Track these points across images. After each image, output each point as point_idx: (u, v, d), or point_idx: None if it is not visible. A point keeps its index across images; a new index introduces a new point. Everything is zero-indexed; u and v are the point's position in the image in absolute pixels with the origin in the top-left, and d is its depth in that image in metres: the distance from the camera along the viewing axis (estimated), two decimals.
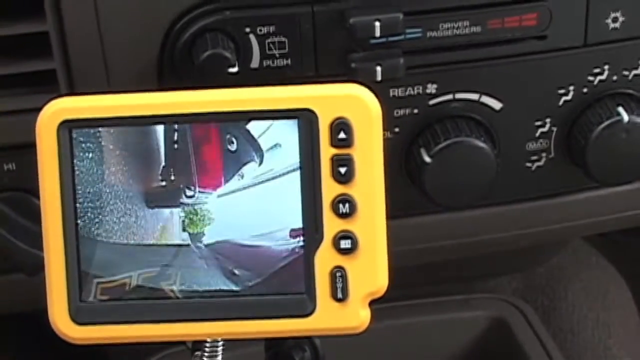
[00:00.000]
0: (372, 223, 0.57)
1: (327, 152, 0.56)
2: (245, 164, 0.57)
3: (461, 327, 1.06)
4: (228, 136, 0.57)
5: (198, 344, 0.62)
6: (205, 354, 0.62)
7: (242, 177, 0.57)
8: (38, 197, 0.69)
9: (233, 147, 0.57)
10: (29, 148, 0.60)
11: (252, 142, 0.57)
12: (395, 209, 0.58)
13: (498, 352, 1.05)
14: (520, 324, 1.05)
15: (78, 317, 0.58)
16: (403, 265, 0.60)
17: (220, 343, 0.61)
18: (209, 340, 0.61)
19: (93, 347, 0.79)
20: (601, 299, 1.16)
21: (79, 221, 0.58)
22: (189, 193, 0.57)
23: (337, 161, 0.56)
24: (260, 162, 0.57)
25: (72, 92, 0.68)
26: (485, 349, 1.06)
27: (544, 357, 1.01)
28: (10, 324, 1.04)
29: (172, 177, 0.57)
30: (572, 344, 1.12)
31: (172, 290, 0.58)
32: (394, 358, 1.05)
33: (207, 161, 0.57)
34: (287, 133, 0.57)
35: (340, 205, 0.57)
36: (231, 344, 0.62)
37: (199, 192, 0.57)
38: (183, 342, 0.63)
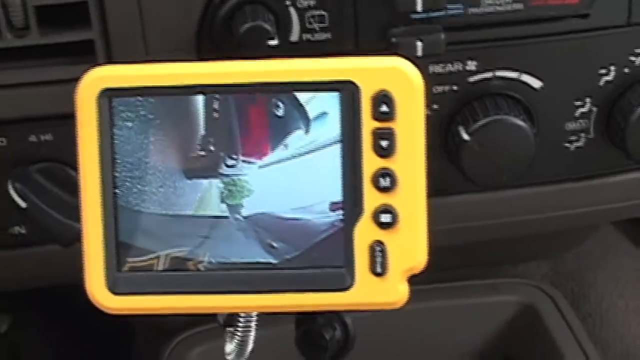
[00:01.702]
0: (412, 198, 0.56)
1: (368, 125, 0.56)
2: (290, 132, 0.56)
3: (489, 311, 1.05)
4: (273, 105, 0.56)
5: (231, 320, 0.62)
6: (239, 329, 0.61)
7: (287, 147, 0.57)
8: (74, 169, 0.70)
9: (280, 113, 0.56)
10: (66, 119, 0.60)
11: (299, 109, 0.56)
12: (432, 187, 0.57)
13: (526, 338, 1.05)
14: (549, 310, 1.05)
15: (115, 287, 0.57)
16: (438, 245, 0.59)
17: (254, 318, 0.61)
18: (242, 315, 0.61)
19: (121, 322, 0.79)
20: (631, 287, 1.15)
21: (117, 190, 0.57)
22: (230, 163, 0.57)
23: (378, 134, 0.56)
24: (307, 131, 0.56)
25: (111, 63, 0.68)
26: (514, 334, 1.05)
27: (572, 343, 1.01)
28: (37, 299, 1.05)
29: (212, 148, 0.57)
30: (600, 331, 1.11)
31: (209, 262, 0.58)
32: (421, 341, 1.05)
33: (252, 130, 0.56)
34: (328, 105, 0.56)
35: (381, 179, 0.56)
36: (261, 322, 0.61)
37: (242, 161, 0.57)
38: (214, 319, 0.62)
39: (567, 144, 0.75)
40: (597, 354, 1.00)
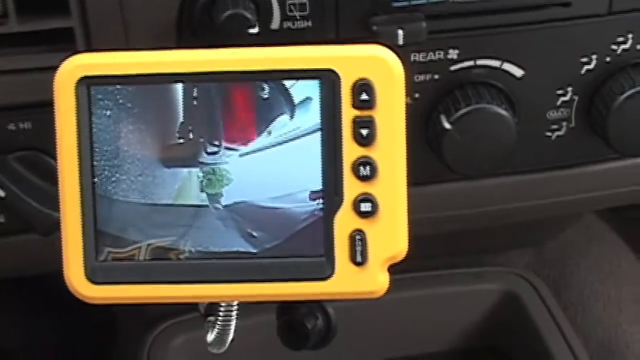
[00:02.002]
0: (392, 186, 0.56)
1: (349, 113, 0.56)
2: (268, 121, 0.56)
3: (473, 300, 1.06)
4: (253, 92, 0.56)
5: (211, 309, 0.61)
6: (220, 318, 0.61)
7: (267, 134, 0.56)
8: (53, 157, 0.70)
9: (260, 102, 0.56)
10: (45, 107, 0.59)
11: (279, 98, 0.56)
12: (414, 176, 0.57)
13: (509, 325, 1.05)
14: (532, 298, 1.05)
15: (94, 276, 0.57)
16: (419, 233, 0.59)
17: (235, 307, 0.61)
18: (223, 304, 0.61)
19: (102, 313, 0.79)
20: (613, 275, 1.16)
21: (95, 179, 0.57)
22: (210, 150, 0.56)
23: (358, 123, 0.56)
24: (286, 118, 0.56)
25: (90, 50, 0.67)
26: (497, 322, 1.06)
27: (555, 331, 1.01)
28: (20, 287, 1.05)
29: (191, 136, 0.57)
30: (582, 319, 1.11)
31: (189, 251, 0.57)
32: (404, 330, 1.05)
33: (231, 118, 0.56)
34: (309, 94, 0.56)
35: (361, 168, 0.56)
36: (243, 312, 0.61)
37: (224, 148, 0.56)
38: (195, 308, 0.62)
39: (548, 133, 0.75)
40: (579, 341, 1.01)
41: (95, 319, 1.08)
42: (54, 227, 0.68)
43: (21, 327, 1.09)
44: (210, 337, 0.62)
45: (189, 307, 0.61)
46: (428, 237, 0.79)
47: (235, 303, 0.61)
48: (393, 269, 0.57)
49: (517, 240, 1.14)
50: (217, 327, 0.61)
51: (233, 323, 0.61)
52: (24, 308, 1.10)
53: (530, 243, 1.17)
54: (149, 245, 0.57)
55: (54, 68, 0.57)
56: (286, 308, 0.65)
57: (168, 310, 1.00)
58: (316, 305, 0.65)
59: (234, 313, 0.61)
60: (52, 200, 0.66)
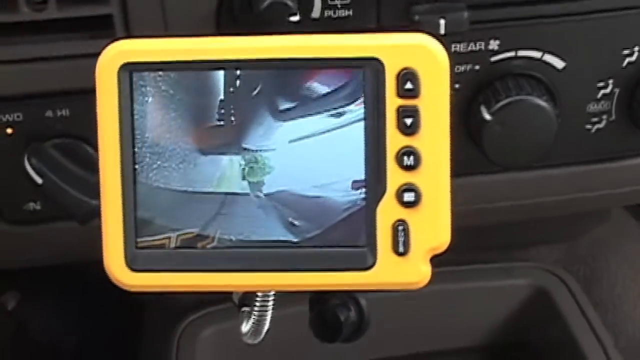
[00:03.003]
0: (436, 177, 0.56)
1: (393, 102, 0.55)
2: (312, 109, 0.56)
3: (503, 295, 1.05)
4: (296, 81, 0.56)
5: (247, 299, 0.61)
6: (256, 308, 0.61)
7: (310, 124, 0.56)
8: (91, 145, 0.70)
9: (302, 90, 0.56)
10: (83, 94, 0.60)
11: (322, 86, 0.55)
12: (453, 168, 0.57)
13: (539, 321, 1.04)
14: (562, 294, 1.04)
15: (134, 263, 0.57)
16: (458, 225, 0.59)
17: (272, 297, 0.60)
18: (260, 294, 0.60)
19: (131, 301, 0.78)
20: None
21: (137, 166, 0.57)
22: (253, 138, 0.56)
23: (402, 112, 0.55)
24: (330, 108, 0.56)
25: (130, 37, 0.67)
26: (527, 317, 1.05)
27: (585, 327, 1.01)
28: (49, 276, 1.05)
29: (233, 124, 0.56)
30: (613, 316, 1.11)
31: (229, 240, 0.57)
32: (434, 324, 1.05)
33: (274, 106, 0.56)
34: (352, 82, 0.55)
35: (405, 158, 0.55)
36: (276, 303, 0.61)
37: (267, 136, 0.56)
38: (228, 299, 0.62)
39: (588, 126, 0.74)
40: (610, 338, 1.00)
41: (124, 309, 1.08)
42: (91, 215, 0.68)
43: (49, 315, 1.09)
44: (245, 327, 0.61)
45: (217, 299, 0.61)
46: (459, 230, 0.78)
47: (272, 293, 0.60)
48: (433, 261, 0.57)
49: (548, 235, 1.14)
50: (253, 317, 0.61)
51: (269, 313, 0.61)
52: (50, 298, 1.10)
53: (561, 238, 1.16)
54: (187, 232, 0.57)
55: (92, 55, 0.56)
56: (319, 299, 0.65)
57: (196, 302, 1.00)
58: (349, 297, 0.65)
59: (271, 303, 0.61)
60: (90, 188, 0.66)
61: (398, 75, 0.55)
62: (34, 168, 0.70)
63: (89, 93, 0.56)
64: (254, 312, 0.61)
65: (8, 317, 1.06)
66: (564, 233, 1.15)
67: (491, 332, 1.06)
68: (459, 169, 0.71)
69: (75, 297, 1.11)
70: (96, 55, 0.56)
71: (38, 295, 1.09)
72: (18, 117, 0.70)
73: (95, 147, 0.57)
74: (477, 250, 1.09)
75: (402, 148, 0.55)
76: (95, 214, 0.58)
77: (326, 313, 0.65)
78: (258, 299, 0.61)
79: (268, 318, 0.61)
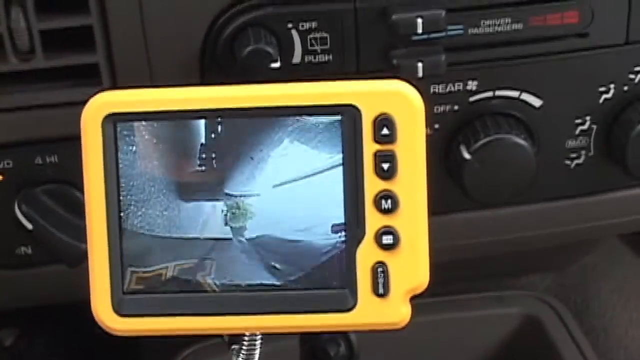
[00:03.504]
0: (414, 219, 0.57)
1: (370, 148, 0.56)
2: (292, 156, 0.57)
3: (494, 324, 1.06)
4: (275, 128, 0.57)
5: (236, 337, 0.62)
6: (244, 347, 0.62)
7: (289, 170, 0.57)
8: (80, 190, 0.71)
9: (281, 136, 0.57)
10: (71, 141, 0.60)
11: (301, 133, 0.57)
12: (434, 206, 0.58)
13: (531, 350, 1.05)
14: (553, 322, 1.05)
15: (121, 309, 0.58)
16: (440, 261, 0.60)
17: (259, 336, 0.62)
18: (247, 333, 0.62)
19: (127, 338, 0.79)
20: (634, 298, 1.15)
21: (122, 214, 0.58)
22: (234, 185, 0.57)
23: (380, 157, 0.56)
24: (309, 154, 0.57)
25: (115, 86, 0.68)
26: (518, 346, 1.05)
27: (577, 355, 1.01)
28: (45, 315, 1.05)
29: (215, 171, 0.57)
30: (605, 343, 1.11)
31: (213, 284, 0.58)
32: (426, 354, 1.05)
33: (254, 154, 0.57)
34: (330, 128, 0.57)
35: (383, 201, 0.57)
36: (266, 338, 0.62)
37: (248, 183, 0.57)
38: (220, 335, 0.63)
39: (567, 161, 0.75)
40: None
41: (118, 346, 1.08)
42: (81, 259, 0.69)
43: (44, 353, 1.10)
44: None
45: (212, 335, 0.62)
46: (447, 262, 0.79)
47: (259, 333, 0.61)
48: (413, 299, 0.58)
49: (539, 263, 1.14)
50: (242, 355, 0.62)
51: (257, 351, 0.62)
52: (47, 334, 1.10)
53: (552, 266, 1.17)
54: (172, 277, 0.58)
55: (79, 103, 0.58)
56: (309, 335, 0.66)
57: (192, 336, 1.01)
58: (338, 333, 0.66)
59: (258, 342, 0.62)
60: (80, 232, 0.67)
61: (375, 121, 0.56)
62: (24, 214, 0.71)
63: (77, 139, 0.58)
64: (243, 351, 0.62)
65: (6, 353, 1.06)
66: (554, 261, 1.16)
67: None
68: (440, 207, 0.73)
69: (72, 333, 1.11)
70: (83, 103, 0.57)
71: (35, 331, 1.09)
72: (8, 164, 0.71)
73: (84, 192, 0.58)
74: (467, 279, 1.09)
75: (380, 192, 0.57)
76: (84, 257, 0.59)
77: (316, 348, 0.66)
78: (246, 338, 0.62)
79: (256, 356, 0.62)
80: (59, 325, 1.10)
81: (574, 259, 1.17)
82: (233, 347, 0.62)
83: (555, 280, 1.17)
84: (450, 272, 0.95)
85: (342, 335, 0.66)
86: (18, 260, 0.75)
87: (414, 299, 0.58)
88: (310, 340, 0.66)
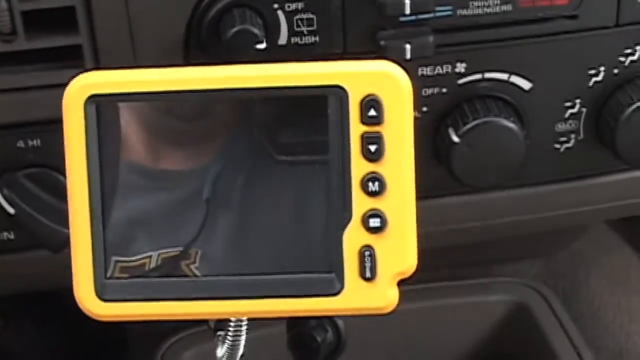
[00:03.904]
0: (401, 202, 0.56)
1: (357, 129, 0.56)
2: (278, 137, 0.56)
3: (482, 311, 1.06)
4: (262, 109, 0.56)
5: (221, 324, 0.62)
6: (229, 333, 0.61)
7: (275, 152, 0.56)
8: (63, 174, 0.70)
9: (268, 118, 0.56)
10: (54, 124, 0.60)
11: (287, 114, 0.56)
12: (421, 190, 0.57)
13: (519, 337, 1.05)
14: (541, 308, 1.05)
15: (104, 293, 0.57)
16: (427, 247, 0.60)
17: (245, 322, 0.61)
18: (233, 319, 0.61)
19: (113, 325, 0.79)
20: (623, 285, 1.16)
21: (105, 198, 0.57)
22: (222, 167, 0.57)
23: (367, 139, 0.56)
24: (295, 136, 0.56)
25: (98, 68, 0.68)
26: (507, 333, 1.05)
27: (565, 341, 1.01)
28: (29, 302, 1.05)
29: (200, 152, 0.57)
30: (593, 330, 1.11)
31: (196, 268, 0.57)
32: (413, 341, 1.05)
33: (240, 135, 0.56)
34: (316, 110, 0.56)
35: (370, 184, 0.56)
36: (253, 324, 0.61)
37: (235, 164, 0.57)
38: (205, 322, 0.62)
39: (556, 145, 0.75)
40: (590, 352, 1.00)
41: (104, 333, 1.08)
42: (64, 244, 0.68)
43: (30, 342, 1.09)
44: (220, 351, 0.62)
45: (197, 321, 0.61)
46: (436, 248, 0.79)
47: (245, 318, 0.61)
48: (401, 281, 0.57)
49: (526, 250, 1.14)
50: (227, 342, 0.61)
51: (243, 338, 0.61)
52: (33, 323, 1.10)
53: (540, 253, 1.16)
54: (157, 258, 0.58)
55: (62, 85, 0.57)
56: (296, 321, 0.66)
57: (178, 324, 1.00)
58: (326, 319, 0.65)
59: (244, 328, 0.61)
60: (62, 217, 0.66)
61: (361, 102, 0.55)
62: (6, 198, 0.70)
63: (60, 123, 0.56)
64: (228, 337, 0.61)
65: None
66: (543, 248, 1.16)
67: (471, 348, 1.07)
68: (428, 191, 0.72)
69: (58, 322, 1.11)
70: (66, 85, 0.56)
71: (21, 320, 1.09)
72: None
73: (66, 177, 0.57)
74: (456, 266, 1.09)
75: (367, 174, 0.56)
76: (68, 242, 0.58)
77: (304, 334, 0.65)
78: (231, 324, 0.61)
79: (242, 343, 0.61)
80: (44, 313, 1.10)
81: (562, 246, 1.17)
82: (219, 333, 0.62)
83: (544, 267, 1.17)
84: (438, 259, 0.95)
85: (329, 322, 0.65)
86: (0, 245, 0.74)
87: (401, 285, 0.57)
88: (297, 326, 0.65)
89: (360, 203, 0.56)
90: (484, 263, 1.12)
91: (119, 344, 1.10)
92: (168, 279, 0.57)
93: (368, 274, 0.56)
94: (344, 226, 0.56)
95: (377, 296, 0.57)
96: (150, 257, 0.57)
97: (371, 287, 0.56)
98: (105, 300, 0.57)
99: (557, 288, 1.14)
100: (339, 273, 0.57)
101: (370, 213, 0.56)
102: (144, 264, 0.57)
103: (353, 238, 0.56)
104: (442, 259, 1.00)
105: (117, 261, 0.57)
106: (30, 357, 1.09)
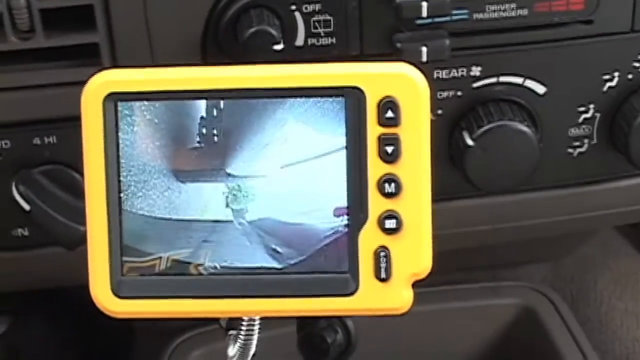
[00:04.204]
0: (417, 203, 0.56)
1: (374, 131, 0.56)
2: (295, 138, 0.56)
3: (490, 314, 1.05)
4: (279, 110, 0.56)
5: (233, 323, 0.62)
6: (242, 332, 0.61)
7: (292, 152, 0.57)
8: (78, 171, 0.70)
9: (285, 118, 0.56)
10: (70, 121, 0.60)
11: (305, 114, 0.56)
12: (436, 192, 0.57)
13: (526, 340, 1.05)
14: (549, 313, 1.05)
15: (120, 291, 0.57)
16: (440, 249, 0.60)
17: (257, 322, 0.61)
18: (245, 318, 0.61)
19: (122, 324, 0.79)
20: (630, 290, 1.15)
21: (122, 195, 0.57)
22: (236, 166, 0.57)
23: (383, 140, 0.56)
24: (312, 136, 0.56)
25: (116, 66, 0.68)
26: (514, 337, 1.05)
27: (572, 346, 1.01)
28: (39, 299, 1.05)
29: (217, 152, 0.57)
30: (600, 334, 1.11)
31: (213, 266, 0.58)
32: (422, 344, 1.05)
33: (257, 135, 0.56)
34: (334, 111, 0.56)
35: (386, 185, 0.56)
36: (263, 324, 0.61)
37: (250, 164, 0.57)
38: (216, 321, 0.62)
39: (570, 150, 0.75)
40: (597, 356, 1.00)
41: (113, 332, 1.08)
42: (79, 241, 0.68)
43: (40, 338, 1.09)
44: (231, 351, 0.62)
45: (208, 320, 0.61)
46: (445, 251, 0.79)
47: (257, 318, 0.61)
48: (414, 283, 0.57)
49: (535, 254, 1.14)
50: (239, 341, 0.61)
51: (255, 337, 0.61)
52: (42, 319, 1.10)
53: (548, 257, 1.16)
54: (170, 258, 0.58)
55: (79, 83, 0.57)
56: (306, 322, 0.66)
57: (186, 323, 1.01)
58: (336, 320, 0.66)
59: (257, 327, 0.61)
60: (77, 214, 0.66)
61: (379, 104, 0.56)
62: (21, 195, 0.70)
63: (76, 120, 0.57)
64: (240, 336, 0.61)
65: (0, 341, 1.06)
66: (551, 252, 1.16)
67: (478, 351, 1.07)
68: (442, 194, 0.72)
69: (67, 320, 1.11)
70: (83, 83, 0.57)
71: (30, 318, 1.09)
72: (6, 144, 0.71)
73: (82, 173, 0.57)
74: (464, 270, 1.09)
75: (384, 176, 0.56)
76: (82, 240, 0.59)
77: (314, 335, 0.65)
78: (244, 323, 0.61)
79: (254, 342, 0.62)
80: (53, 311, 1.10)
81: (571, 250, 1.17)
82: (230, 332, 0.62)
83: (552, 271, 1.17)
84: (447, 262, 0.95)
85: (339, 323, 0.65)
86: (14, 241, 0.74)
87: (414, 286, 0.58)
88: (307, 327, 0.66)
89: (376, 204, 0.56)
90: (492, 267, 1.12)
91: (127, 342, 1.10)
92: (183, 277, 0.58)
93: (383, 275, 0.57)
94: (360, 227, 0.57)
95: (392, 297, 0.57)
96: (160, 258, 0.58)
97: (386, 287, 0.57)
98: (120, 297, 0.57)
99: (565, 292, 1.14)
100: (354, 273, 0.57)
101: (386, 214, 0.56)
102: (153, 265, 0.58)
103: (369, 239, 0.57)
104: (451, 262, 1.00)
105: (125, 261, 0.57)
106: (40, 354, 1.09)
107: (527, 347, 1.05)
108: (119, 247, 0.57)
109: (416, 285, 0.58)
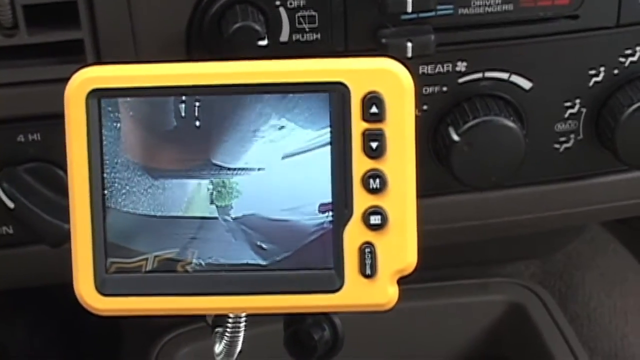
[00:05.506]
0: (402, 199, 0.56)
1: (358, 126, 0.56)
2: (279, 133, 0.56)
3: (478, 311, 1.06)
4: (262, 106, 0.56)
5: (219, 320, 0.61)
6: (228, 329, 0.61)
7: (276, 148, 0.56)
8: (62, 169, 0.70)
9: (268, 114, 0.56)
10: (54, 119, 0.60)
11: (289, 110, 0.56)
12: (421, 188, 0.57)
13: (515, 337, 1.05)
14: (537, 309, 1.05)
15: (104, 288, 0.57)
16: (426, 245, 0.60)
17: (243, 319, 0.61)
18: (231, 315, 0.61)
19: (109, 323, 0.79)
20: (619, 286, 1.16)
21: (105, 192, 0.57)
22: (220, 163, 0.57)
23: (368, 136, 0.56)
24: (296, 132, 0.56)
25: (100, 63, 0.67)
26: (503, 333, 1.05)
27: (561, 342, 1.01)
28: (25, 297, 1.05)
29: (200, 148, 0.57)
30: (588, 331, 1.11)
31: (198, 264, 0.57)
32: (409, 341, 1.05)
33: (241, 131, 0.56)
34: (318, 106, 0.56)
35: (371, 181, 0.56)
36: (250, 322, 0.61)
37: (234, 160, 0.57)
38: (203, 319, 0.62)
39: (556, 145, 0.75)
40: (585, 353, 1.00)
41: (100, 330, 1.08)
42: (63, 239, 0.68)
43: (26, 337, 1.09)
44: (218, 348, 0.62)
45: (195, 318, 0.61)
46: (433, 248, 0.79)
47: (243, 315, 0.61)
48: (400, 279, 0.57)
49: (523, 251, 1.14)
50: (225, 338, 0.61)
51: (241, 335, 0.61)
52: (29, 318, 1.10)
53: (536, 254, 1.17)
54: (157, 256, 0.57)
55: (63, 80, 0.57)
56: (293, 319, 0.65)
57: (173, 321, 1.00)
58: (323, 317, 0.65)
59: (243, 325, 0.61)
60: (62, 212, 0.66)
61: (363, 99, 0.56)
62: (5, 192, 0.70)
63: (61, 117, 0.57)
64: (226, 334, 0.61)
65: None
66: (539, 248, 1.16)
67: (467, 347, 1.07)
68: (427, 189, 0.72)
69: (54, 318, 1.11)
70: (67, 80, 0.56)
71: (16, 316, 1.09)
72: None
73: (66, 171, 0.57)
74: (453, 266, 1.09)
75: (368, 171, 0.56)
76: (67, 237, 0.58)
77: (301, 332, 0.65)
78: (230, 320, 0.61)
79: (240, 339, 0.61)
80: (39, 309, 1.10)
81: (559, 247, 1.17)
82: (217, 330, 0.62)
83: (540, 267, 1.17)
84: (435, 259, 0.95)
85: (326, 320, 0.65)
86: None
87: (400, 280, 0.57)
88: (294, 324, 0.65)
89: (361, 200, 0.56)
90: (481, 263, 1.12)
91: (114, 340, 1.10)
92: (168, 274, 0.57)
93: (368, 271, 0.56)
94: (345, 223, 0.56)
95: (377, 293, 0.57)
96: (147, 258, 0.57)
97: (371, 284, 0.57)
98: (104, 295, 0.57)
99: (554, 289, 1.14)
100: (339, 270, 0.57)
101: (371, 210, 0.56)
102: (140, 266, 0.57)
103: (354, 235, 0.56)
104: (438, 258, 1.00)
105: (112, 262, 0.57)
106: (25, 353, 1.09)
107: (515, 343, 1.05)
108: (103, 244, 0.57)
109: (405, 281, 0.58)
